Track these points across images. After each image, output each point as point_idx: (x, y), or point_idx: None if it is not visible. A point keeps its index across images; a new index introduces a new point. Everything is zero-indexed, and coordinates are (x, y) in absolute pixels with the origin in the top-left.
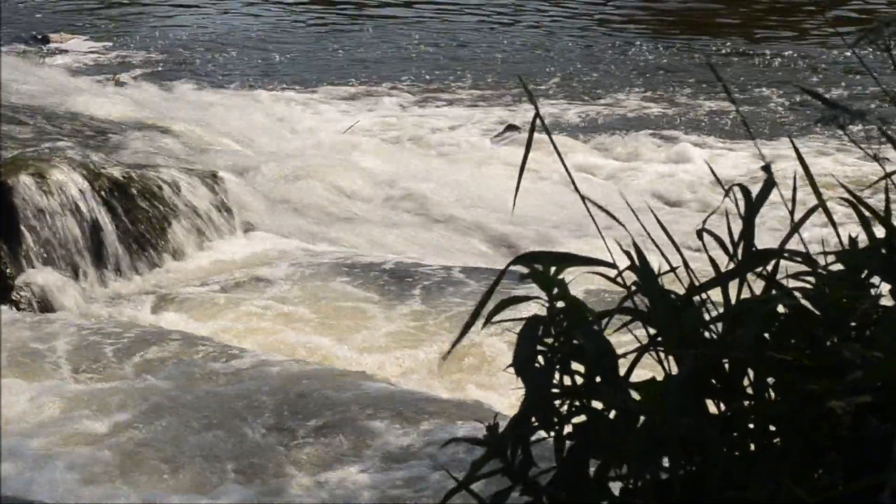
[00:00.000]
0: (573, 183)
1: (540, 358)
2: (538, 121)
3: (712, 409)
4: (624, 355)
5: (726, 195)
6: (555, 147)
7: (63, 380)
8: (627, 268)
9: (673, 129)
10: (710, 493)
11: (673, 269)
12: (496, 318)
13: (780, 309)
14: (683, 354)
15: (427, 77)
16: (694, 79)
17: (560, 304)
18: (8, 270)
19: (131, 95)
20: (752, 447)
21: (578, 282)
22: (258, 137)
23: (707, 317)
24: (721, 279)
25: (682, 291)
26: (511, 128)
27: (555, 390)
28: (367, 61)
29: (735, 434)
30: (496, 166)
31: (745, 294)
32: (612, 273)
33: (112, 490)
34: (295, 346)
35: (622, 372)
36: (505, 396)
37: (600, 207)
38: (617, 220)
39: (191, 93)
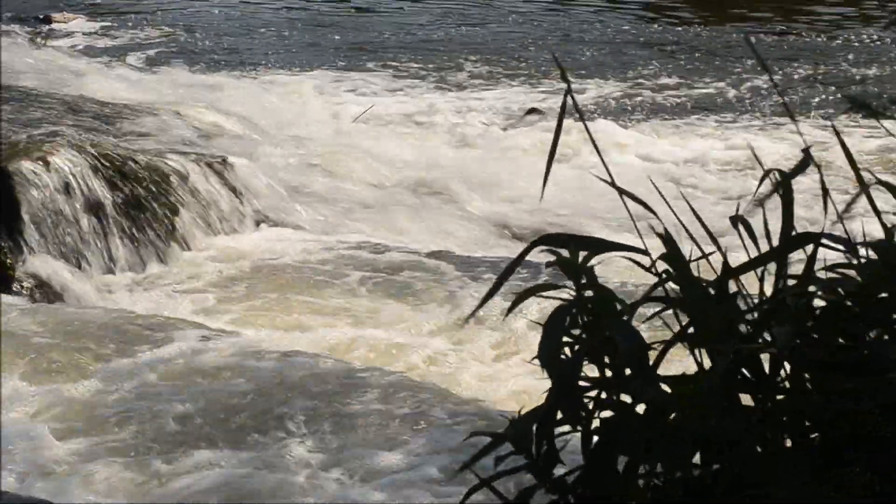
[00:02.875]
0: (606, 168)
1: (566, 349)
2: (565, 105)
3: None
4: (652, 345)
5: (763, 180)
6: (586, 128)
7: (63, 371)
8: (661, 256)
9: (706, 112)
10: (730, 491)
11: (705, 256)
12: (519, 306)
13: (817, 301)
14: (718, 351)
15: (445, 60)
16: (729, 62)
17: (588, 292)
18: (8, 260)
19: (137, 78)
20: (789, 443)
21: (606, 270)
22: (269, 122)
23: (744, 305)
24: (755, 262)
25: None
26: (532, 111)
27: (582, 383)
28: (382, 44)
29: (769, 429)
30: (516, 152)
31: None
32: (641, 259)
33: (109, 482)
34: (306, 338)
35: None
36: (526, 388)
37: (632, 196)
38: (645, 206)
39: (199, 75)
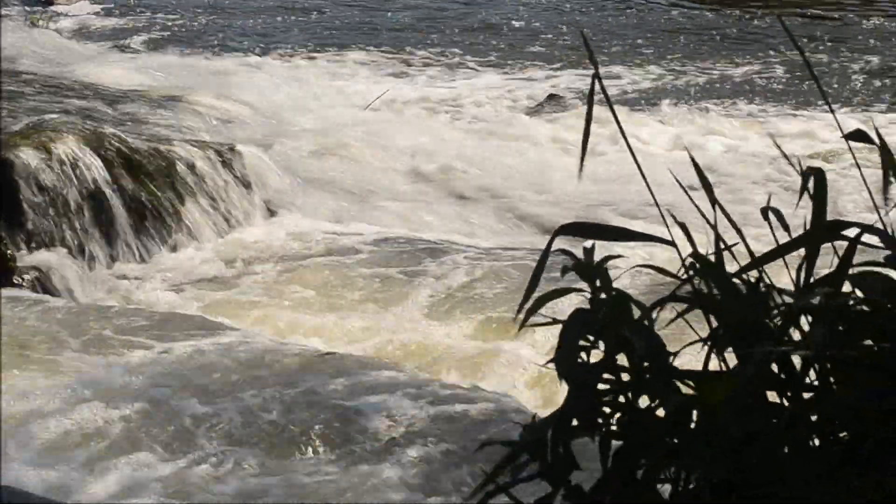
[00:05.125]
0: (635, 160)
1: (583, 353)
2: (593, 89)
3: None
4: (675, 353)
5: (804, 180)
6: (614, 115)
7: (64, 368)
8: (690, 255)
9: (735, 99)
10: (740, 490)
11: (728, 248)
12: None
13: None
14: (746, 353)
15: (462, 45)
16: (758, 48)
17: (604, 295)
18: (9, 252)
19: (141, 63)
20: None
21: (626, 263)
22: (279, 109)
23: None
24: (781, 251)
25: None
26: (552, 98)
27: (599, 386)
28: (396, 28)
29: (795, 428)
30: (535, 140)
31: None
32: (664, 253)
33: (111, 481)
34: (316, 332)
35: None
36: (540, 390)
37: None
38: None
39: (205, 60)
